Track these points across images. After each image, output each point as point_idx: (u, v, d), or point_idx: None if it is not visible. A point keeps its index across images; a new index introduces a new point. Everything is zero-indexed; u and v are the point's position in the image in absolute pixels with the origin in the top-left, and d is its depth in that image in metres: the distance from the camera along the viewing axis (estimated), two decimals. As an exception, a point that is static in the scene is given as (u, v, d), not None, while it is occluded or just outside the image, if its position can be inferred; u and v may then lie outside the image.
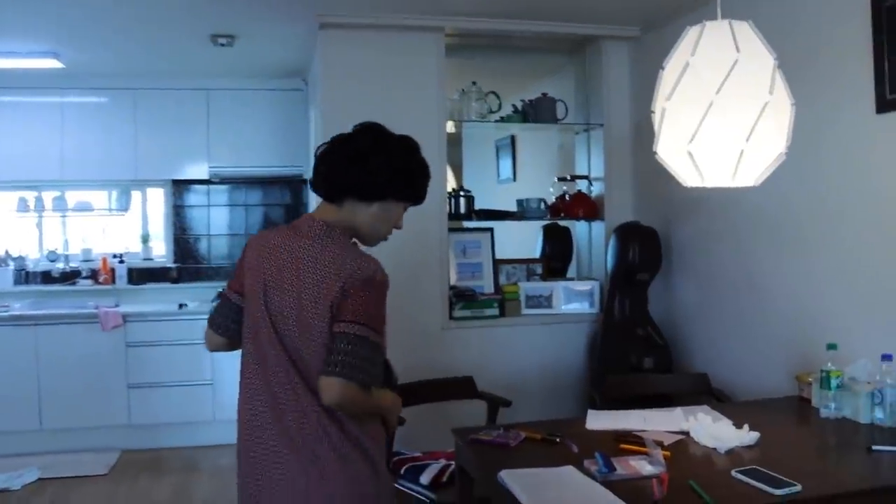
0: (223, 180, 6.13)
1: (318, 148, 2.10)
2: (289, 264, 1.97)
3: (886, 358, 2.60)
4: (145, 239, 6.16)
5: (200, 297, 5.80)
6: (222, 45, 4.55)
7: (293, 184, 6.23)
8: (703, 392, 3.51)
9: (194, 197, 6.19)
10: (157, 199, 6.19)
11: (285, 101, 5.82)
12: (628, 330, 4.06)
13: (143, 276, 6.03)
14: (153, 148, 5.65)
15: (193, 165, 5.77)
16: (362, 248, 2.07)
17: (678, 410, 2.77)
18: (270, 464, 1.97)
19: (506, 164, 6.36)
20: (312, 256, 1.95)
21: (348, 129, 3.77)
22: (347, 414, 1.93)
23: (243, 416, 2.08)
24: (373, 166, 2.00)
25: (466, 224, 4.72)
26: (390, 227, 2.12)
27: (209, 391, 5.42)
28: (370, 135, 2.07)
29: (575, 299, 4.43)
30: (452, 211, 4.36)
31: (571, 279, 4.70)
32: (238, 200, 6.27)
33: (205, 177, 5.83)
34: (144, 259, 6.12)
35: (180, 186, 6.14)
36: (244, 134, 5.76)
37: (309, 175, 5.49)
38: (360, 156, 2.01)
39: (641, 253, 4.03)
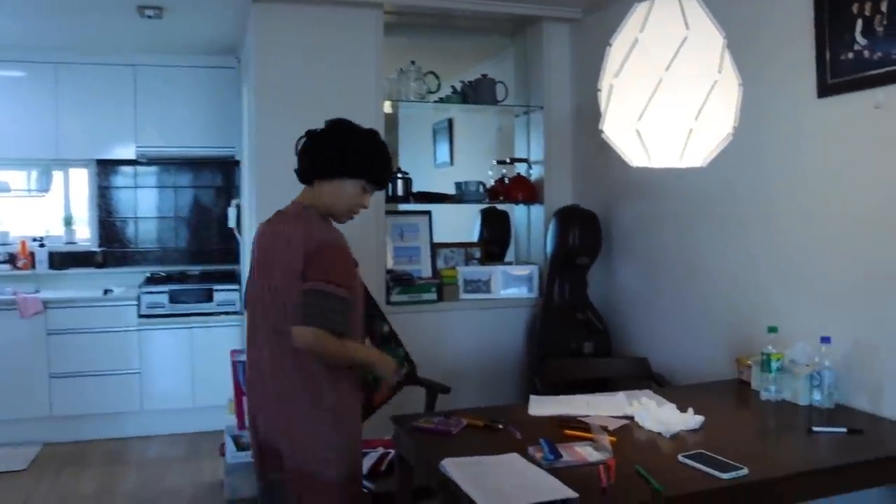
0: (151, 161, 5.89)
1: (297, 142, 2.50)
2: (272, 244, 2.41)
3: (825, 340, 2.61)
4: (68, 221, 5.89)
5: (127, 283, 5.58)
6: (150, 17, 4.33)
7: (225, 165, 6.03)
8: (643, 376, 3.50)
9: (121, 178, 5.94)
10: (81, 180, 5.92)
11: (217, 80, 5.61)
12: (568, 315, 4.03)
13: (65, 260, 5.76)
14: (76, 126, 5.37)
15: (120, 145, 5.50)
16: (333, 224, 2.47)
17: (621, 395, 2.74)
18: (263, 415, 2.42)
19: (443, 147, 6.28)
20: (288, 234, 2.36)
21: (282, 107, 3.78)
22: (322, 358, 2.31)
23: (247, 377, 2.52)
24: (330, 147, 2.41)
25: (404, 207, 4.63)
26: (352, 203, 2.45)
27: (136, 380, 5.23)
28: (335, 125, 2.48)
29: (514, 284, 4.38)
30: (389, 193, 4.26)
31: (510, 263, 4.65)
32: (167, 182, 6.04)
33: (132, 157, 5.58)
34: (67, 243, 5.85)
35: (106, 167, 5.88)
36: (174, 113, 5.52)
37: (240, 156, 5.36)
38: (323, 141, 2.44)
39: (581, 237, 3.99)
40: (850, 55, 2.58)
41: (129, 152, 5.53)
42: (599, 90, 2.21)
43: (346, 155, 2.40)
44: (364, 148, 2.43)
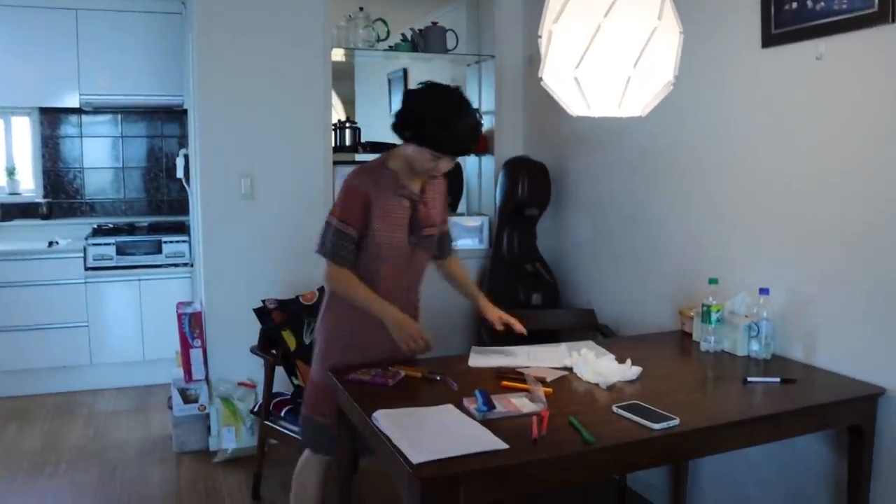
0: (97, 109, 5.72)
1: None
2: None
3: (763, 292, 2.63)
4: (11, 172, 5.71)
5: (73, 234, 5.45)
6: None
7: (174, 114, 5.88)
8: (590, 328, 3.52)
9: (66, 127, 5.76)
10: (24, 129, 5.73)
11: (164, 25, 5.41)
12: (517, 266, 4.02)
13: (9, 211, 5.62)
14: (14, 72, 5.16)
15: (63, 93, 5.31)
16: (389, 164, 2.58)
17: (562, 346, 2.74)
18: None
19: (398, 98, 6.16)
20: None
21: (226, 55, 3.66)
22: (330, 287, 2.59)
23: None
24: (402, 113, 2.47)
25: (357, 157, 4.55)
26: (427, 167, 2.48)
27: (84, 334, 5.13)
28: (418, 90, 2.50)
29: (464, 235, 4.35)
30: (337, 143, 4.19)
31: (461, 214, 4.62)
32: (114, 131, 5.88)
33: (76, 105, 5.40)
34: (11, 193, 5.69)
35: (50, 115, 5.70)
36: (119, 60, 5.33)
37: (188, 104, 5.23)
38: (402, 104, 2.50)
39: (530, 188, 3.96)
40: (794, 5, 2.55)
41: (72, 100, 5.35)
42: (540, 37, 2.16)
43: (411, 125, 2.43)
44: (428, 118, 2.40)
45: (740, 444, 2.30)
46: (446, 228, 2.85)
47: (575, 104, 2.16)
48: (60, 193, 5.79)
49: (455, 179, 4.83)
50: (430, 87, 2.50)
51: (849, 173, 2.45)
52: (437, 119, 2.39)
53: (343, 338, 2.60)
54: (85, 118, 5.79)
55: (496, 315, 2.70)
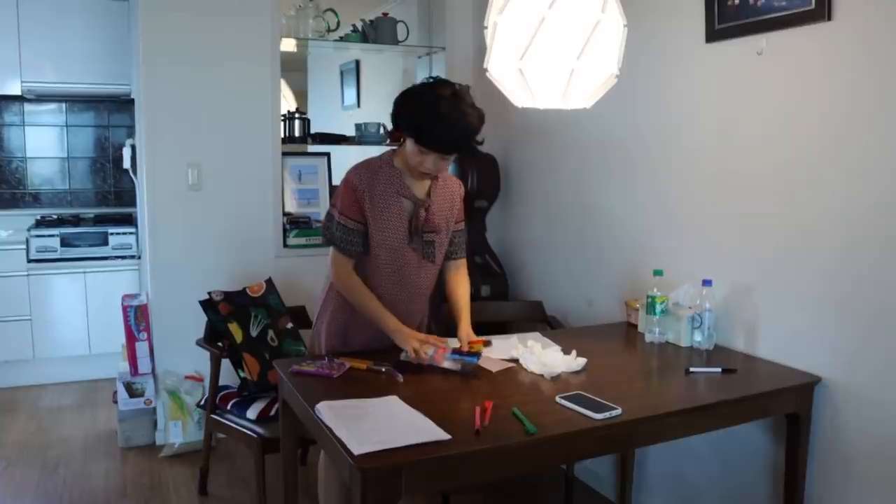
0: (40, 97, 5.58)
1: None
2: None
3: (706, 283, 2.67)
4: (-51, 161, 5.56)
5: (15, 226, 5.31)
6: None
7: (121, 103, 5.76)
8: (538, 319, 3.53)
9: (8, 115, 5.61)
10: (-37, 117, 5.58)
11: (110, 12, 5.28)
12: (466, 257, 4.01)
13: (-54, 202, 5.46)
14: (-49, 58, 5.02)
15: (4, 80, 5.16)
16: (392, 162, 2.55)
17: (514, 338, 2.75)
18: None
19: (350, 90, 6.14)
20: None
21: (171, 44, 3.60)
22: (333, 279, 2.60)
23: None
24: (396, 104, 2.46)
25: (305, 148, 4.51)
26: (414, 161, 2.44)
27: (27, 328, 5.01)
28: (423, 83, 2.49)
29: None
30: (287, 134, 4.14)
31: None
32: (59, 120, 5.74)
33: (17, 93, 5.26)
34: (-51, 184, 5.54)
35: (-9, 103, 5.55)
36: (63, 47, 5.19)
37: (135, 93, 5.12)
38: (399, 96, 2.48)
39: (480, 180, 3.97)
40: (737, 1, 2.59)
41: (14, 87, 5.20)
42: (486, 27, 2.16)
43: (402, 115, 2.43)
44: (418, 110, 2.37)
45: (681, 432, 2.33)
46: (459, 228, 2.77)
47: (520, 95, 2.16)
48: (2, 184, 5.65)
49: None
50: (433, 82, 2.46)
51: (787, 166, 2.50)
52: (426, 111, 2.35)
53: (339, 324, 2.66)
54: (28, 106, 5.65)
55: (466, 336, 2.60)
